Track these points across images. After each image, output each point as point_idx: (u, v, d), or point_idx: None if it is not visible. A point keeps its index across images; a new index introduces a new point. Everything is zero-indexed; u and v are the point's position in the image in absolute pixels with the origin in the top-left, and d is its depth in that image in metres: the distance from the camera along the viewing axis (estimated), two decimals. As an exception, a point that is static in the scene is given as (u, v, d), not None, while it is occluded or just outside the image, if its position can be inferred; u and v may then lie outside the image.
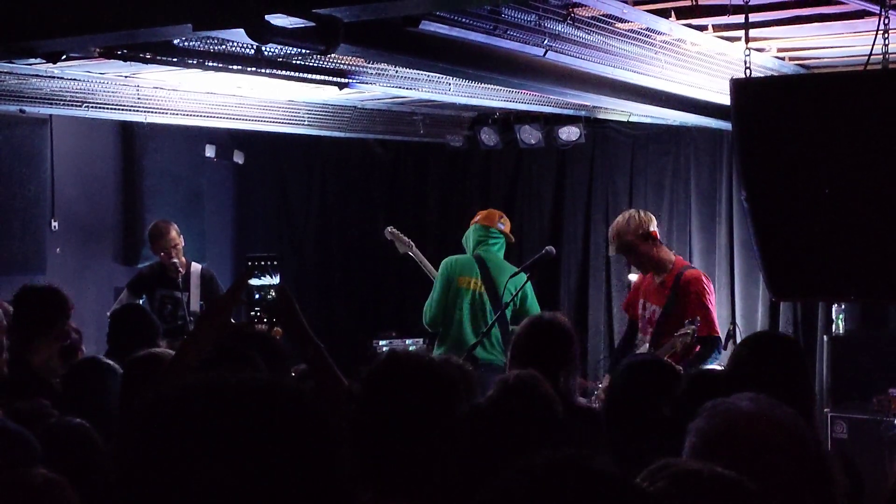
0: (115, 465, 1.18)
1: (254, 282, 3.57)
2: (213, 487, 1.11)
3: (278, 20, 3.67)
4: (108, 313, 6.77)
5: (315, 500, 1.15)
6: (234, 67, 5.34)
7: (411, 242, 7.52)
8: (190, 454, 1.13)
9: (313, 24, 3.68)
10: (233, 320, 3.01)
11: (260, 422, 1.16)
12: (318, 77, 5.74)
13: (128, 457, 1.16)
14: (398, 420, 2.18)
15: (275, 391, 1.21)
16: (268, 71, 5.42)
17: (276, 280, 3.48)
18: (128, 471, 1.16)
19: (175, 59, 5.10)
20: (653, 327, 5.85)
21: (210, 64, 5.22)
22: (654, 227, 5.89)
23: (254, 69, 5.37)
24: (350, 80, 5.81)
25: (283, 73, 5.50)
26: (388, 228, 7.62)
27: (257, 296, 3.71)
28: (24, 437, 2.69)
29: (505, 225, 6.93)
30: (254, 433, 1.15)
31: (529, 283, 6.35)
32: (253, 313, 6.01)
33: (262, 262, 3.22)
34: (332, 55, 4.72)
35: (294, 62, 5.31)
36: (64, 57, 4.82)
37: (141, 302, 6.71)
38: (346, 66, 5.63)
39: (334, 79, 5.85)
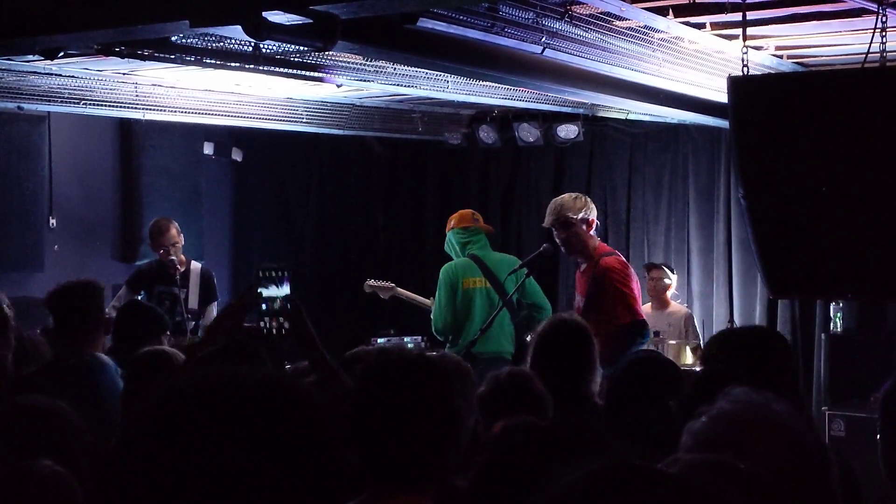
0: (119, 455, 1.20)
1: (264, 291, 3.62)
2: (209, 476, 1.14)
3: (276, 17, 3.67)
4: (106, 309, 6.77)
5: (312, 488, 1.18)
6: (232, 64, 5.34)
7: (392, 284, 7.58)
8: (193, 442, 1.16)
9: (311, 20, 3.68)
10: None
11: (259, 412, 1.19)
12: (312, 74, 5.74)
13: (133, 447, 1.19)
14: (394, 414, 2.19)
15: (274, 384, 1.24)
16: (265, 68, 5.42)
17: (285, 289, 3.52)
18: (131, 461, 1.18)
19: (173, 56, 5.10)
20: None
21: (208, 61, 5.21)
22: (594, 216, 5.89)
23: (251, 66, 5.37)
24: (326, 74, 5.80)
25: (280, 70, 5.50)
26: (366, 283, 7.66)
27: (264, 306, 3.76)
28: None
29: (479, 220, 6.97)
30: (253, 423, 1.18)
31: (531, 277, 6.39)
32: (262, 323, 6.20)
33: (272, 273, 3.31)
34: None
35: (292, 59, 5.31)
36: (61, 54, 4.81)
37: (139, 298, 6.71)
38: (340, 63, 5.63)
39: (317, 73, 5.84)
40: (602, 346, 5.14)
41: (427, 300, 7.32)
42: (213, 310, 7.05)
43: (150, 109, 6.94)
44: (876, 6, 4.15)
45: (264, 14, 3.60)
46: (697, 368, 6.74)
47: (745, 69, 4.33)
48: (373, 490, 2.18)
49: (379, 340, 8.20)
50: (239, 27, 3.65)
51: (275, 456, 1.16)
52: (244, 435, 1.16)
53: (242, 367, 1.28)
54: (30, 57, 5.39)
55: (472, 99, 7.11)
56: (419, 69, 5.71)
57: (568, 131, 8.86)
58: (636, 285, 5.83)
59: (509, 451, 1.77)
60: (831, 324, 7.44)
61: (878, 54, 4.11)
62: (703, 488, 1.08)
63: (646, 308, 7.86)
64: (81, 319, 4.29)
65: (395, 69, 5.73)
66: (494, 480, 1.73)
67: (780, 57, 5.62)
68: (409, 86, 6.27)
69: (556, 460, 1.15)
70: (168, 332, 5.25)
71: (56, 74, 6.19)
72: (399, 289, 7.52)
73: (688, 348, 7.43)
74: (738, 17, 4.54)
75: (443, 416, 2.22)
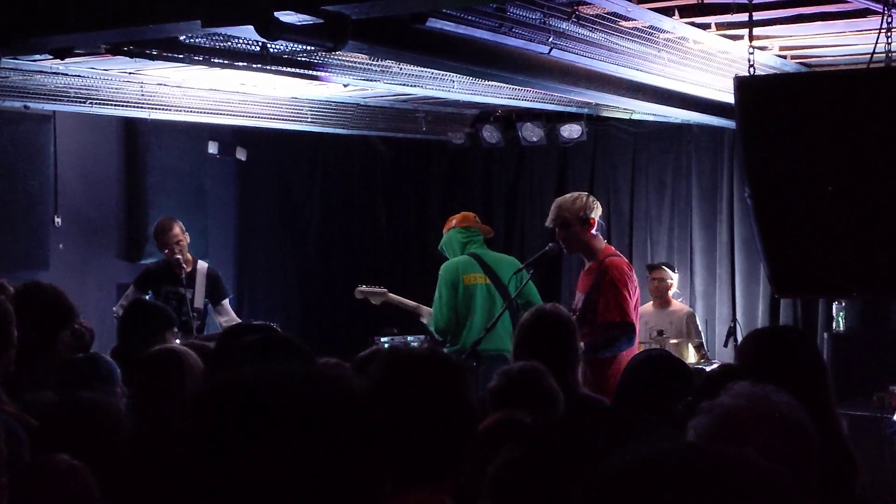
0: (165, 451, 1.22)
1: None
2: (260, 468, 1.15)
3: (287, 17, 3.70)
4: (113, 308, 6.80)
5: (356, 480, 1.20)
6: (239, 64, 5.36)
7: (384, 290, 7.43)
8: (249, 436, 1.19)
9: (322, 20, 3.71)
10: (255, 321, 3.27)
11: (307, 407, 1.23)
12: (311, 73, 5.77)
13: (187, 440, 1.20)
14: (411, 410, 2.20)
15: (320, 379, 1.29)
16: (273, 68, 5.44)
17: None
18: (185, 455, 1.20)
19: (181, 56, 5.12)
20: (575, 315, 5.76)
21: (215, 60, 5.24)
22: (595, 215, 5.89)
23: (258, 66, 5.40)
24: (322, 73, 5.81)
25: (288, 69, 5.53)
26: (357, 289, 7.51)
27: None
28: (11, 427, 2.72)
29: (478, 222, 6.99)
30: (301, 419, 1.22)
31: (530, 280, 6.37)
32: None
33: None
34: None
35: (299, 59, 5.33)
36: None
37: (148, 297, 6.73)
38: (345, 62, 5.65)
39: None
40: (588, 337, 5.18)
41: (420, 305, 7.27)
42: (228, 305, 7.08)
43: (156, 109, 6.96)
44: (881, 7, 4.17)
45: (276, 14, 3.62)
46: (700, 367, 6.79)
47: (752, 69, 4.35)
48: (392, 487, 2.20)
49: (383, 339, 8.22)
50: (250, 27, 3.68)
51: (321, 450, 1.20)
52: (293, 431, 1.19)
53: (290, 363, 1.30)
54: (36, 56, 5.40)
55: (477, 99, 7.14)
56: (425, 69, 5.74)
57: (571, 131, 8.88)
58: (634, 290, 5.79)
59: (545, 446, 1.79)
60: (834, 323, 7.47)
61: (884, 54, 4.13)
62: (767, 469, 1.09)
63: (648, 307, 7.89)
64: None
65: (401, 69, 5.75)
66: (527, 476, 1.75)
67: (784, 57, 5.65)
68: (414, 85, 6.29)
69: (593, 453, 1.17)
70: (175, 328, 5.25)
71: (62, 74, 6.20)
72: (391, 294, 7.42)
73: (690, 346, 7.45)
74: (743, 17, 4.56)
75: (458, 411, 2.24)
